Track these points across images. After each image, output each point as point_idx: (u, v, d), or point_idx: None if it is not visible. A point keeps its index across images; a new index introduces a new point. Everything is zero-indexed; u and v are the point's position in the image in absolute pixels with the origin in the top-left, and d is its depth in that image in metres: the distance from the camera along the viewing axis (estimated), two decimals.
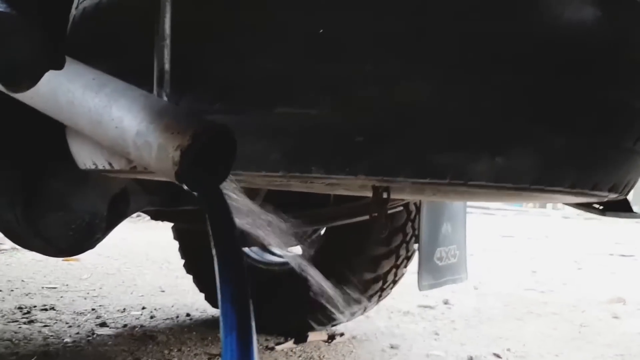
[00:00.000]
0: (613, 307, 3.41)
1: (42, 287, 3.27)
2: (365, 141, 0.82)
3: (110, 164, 1.00)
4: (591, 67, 0.86)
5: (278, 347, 2.33)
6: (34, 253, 4.56)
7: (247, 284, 0.53)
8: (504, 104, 0.83)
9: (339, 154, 0.83)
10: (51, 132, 1.30)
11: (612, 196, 1.05)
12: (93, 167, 1.05)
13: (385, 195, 1.49)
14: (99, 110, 0.73)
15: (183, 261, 2.71)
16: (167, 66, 0.76)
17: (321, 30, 0.80)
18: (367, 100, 0.81)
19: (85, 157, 1.06)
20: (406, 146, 0.83)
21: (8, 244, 4.42)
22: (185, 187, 0.69)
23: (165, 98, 0.77)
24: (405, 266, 2.41)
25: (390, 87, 0.81)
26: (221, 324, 0.49)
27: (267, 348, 2.32)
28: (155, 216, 2.52)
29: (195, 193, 0.69)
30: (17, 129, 1.52)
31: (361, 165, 0.83)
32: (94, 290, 3.29)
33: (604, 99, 0.88)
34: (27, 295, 3.07)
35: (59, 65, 0.67)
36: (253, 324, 0.50)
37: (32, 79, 0.65)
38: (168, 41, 0.77)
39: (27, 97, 0.81)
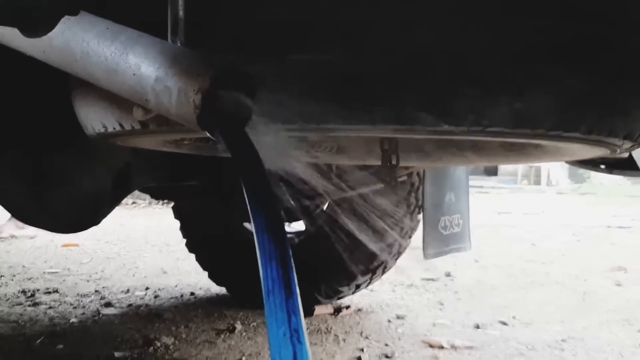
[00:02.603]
0: (615, 275, 3.42)
1: (44, 272, 3.26)
2: (383, 87, 0.81)
3: (120, 125, 0.98)
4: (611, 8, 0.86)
5: None
6: (33, 240, 4.53)
7: (280, 215, 0.52)
8: (522, 46, 0.83)
9: (356, 102, 0.82)
10: (57, 106, 1.29)
11: (627, 145, 1.04)
12: (103, 130, 1.04)
13: (394, 161, 1.48)
14: (115, 59, 0.71)
15: (184, 242, 2.69)
16: (181, 14, 0.75)
17: None
18: (385, 46, 0.80)
19: (94, 120, 1.05)
20: (425, 91, 0.82)
21: (6, 231, 4.40)
22: (207, 133, 0.68)
23: None
24: (410, 237, 2.41)
25: (408, 32, 0.80)
26: (259, 255, 0.48)
27: None
28: (157, 194, 2.51)
29: (216, 137, 0.68)
30: (24, 107, 1.50)
31: (379, 112, 0.82)
32: (96, 273, 3.28)
33: (623, 40, 0.87)
34: (29, 279, 3.06)
35: (74, 10, 0.66)
36: (290, 252, 0.49)
37: (49, 23, 0.64)
38: None
39: (40, 51, 0.80)
